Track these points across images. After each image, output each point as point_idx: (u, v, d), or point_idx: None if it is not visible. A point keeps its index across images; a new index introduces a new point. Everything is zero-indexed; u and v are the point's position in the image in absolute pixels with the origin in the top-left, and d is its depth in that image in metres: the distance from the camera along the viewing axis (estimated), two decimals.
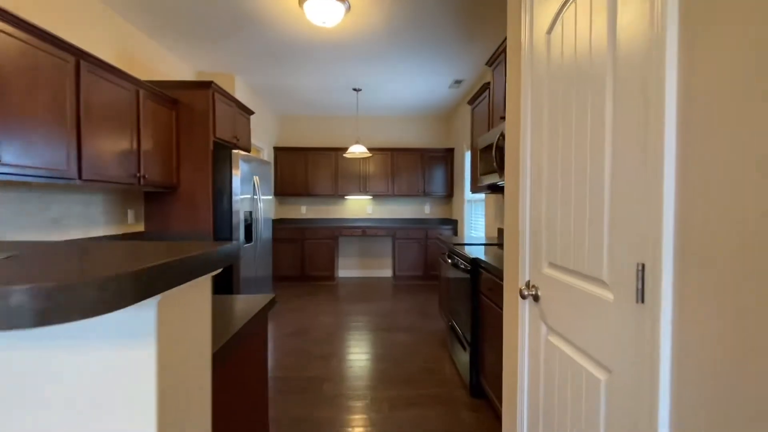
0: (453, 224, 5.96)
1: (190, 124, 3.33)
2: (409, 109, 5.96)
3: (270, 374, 2.74)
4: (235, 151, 3.39)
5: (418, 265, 5.83)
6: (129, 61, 3.21)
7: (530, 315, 1.43)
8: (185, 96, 3.32)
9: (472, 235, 5.14)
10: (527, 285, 1.45)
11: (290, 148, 6.00)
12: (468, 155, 5.26)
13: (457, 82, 4.59)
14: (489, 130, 3.15)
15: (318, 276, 5.81)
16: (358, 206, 6.42)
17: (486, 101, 3.23)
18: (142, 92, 2.82)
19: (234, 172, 3.38)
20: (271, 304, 1.34)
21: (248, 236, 3.64)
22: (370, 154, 5.09)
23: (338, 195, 6.06)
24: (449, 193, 6.09)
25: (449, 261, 3.06)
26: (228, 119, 3.68)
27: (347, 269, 6.39)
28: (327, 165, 6.05)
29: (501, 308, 1.96)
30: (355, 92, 4.97)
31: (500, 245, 3.13)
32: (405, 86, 4.80)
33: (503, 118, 2.76)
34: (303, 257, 5.78)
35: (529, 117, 1.43)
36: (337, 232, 5.80)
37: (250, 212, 3.68)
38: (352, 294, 5.18)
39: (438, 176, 6.08)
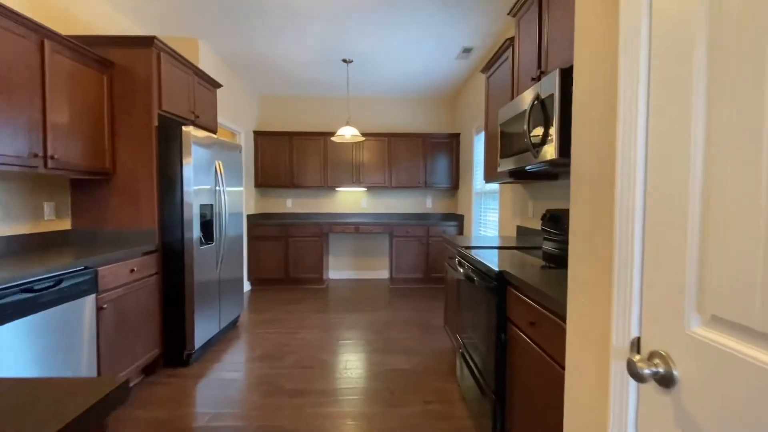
0: (458, 220, 5.26)
1: (128, 92, 2.61)
2: (408, 88, 5.22)
3: (217, 423, 2.05)
4: (186, 128, 2.67)
5: (418, 265, 5.13)
6: (67, 20, 2.47)
7: (648, 409, 0.73)
8: (122, 56, 2.60)
9: (482, 233, 4.43)
10: (636, 348, 0.75)
11: (272, 133, 5.27)
12: (480, 139, 4.54)
13: (467, 50, 3.85)
14: (513, 98, 2.43)
15: (304, 278, 5.11)
16: (351, 199, 5.71)
17: (508, 62, 2.51)
18: (49, 44, 2.09)
19: (185, 155, 2.66)
20: (111, 404, 0.63)
21: (208, 235, 2.94)
22: (363, 138, 4.36)
23: (328, 186, 5.35)
24: (454, 184, 5.38)
25: (460, 269, 2.36)
26: (182, 89, 2.95)
27: (338, 270, 5.70)
28: (315, 152, 5.32)
29: (553, 359, 1.26)
30: (346, 64, 4.24)
31: (524, 249, 2.43)
32: (404, 57, 4.07)
33: (536, 78, 2.05)
34: (287, 257, 5.07)
35: (643, 77, 0.72)
36: (326, 229, 5.09)
37: (211, 205, 2.97)
38: (342, 300, 4.49)
39: (441, 165, 5.36)
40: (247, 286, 5.00)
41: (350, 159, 5.32)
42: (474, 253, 2.22)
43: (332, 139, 4.32)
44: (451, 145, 5.35)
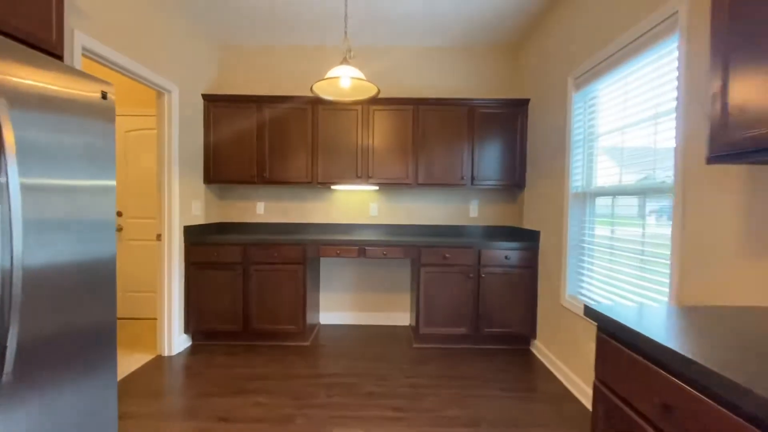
0: (529, 239, 3.28)
1: None
2: (445, 27, 3.29)
3: None
4: None
5: (461, 315, 3.16)
6: None
7: None
8: None
9: (593, 270, 2.41)
10: None
11: (234, 98, 3.37)
12: (582, 98, 2.55)
13: None
14: None
15: (275, 332, 3.18)
16: (355, 204, 3.78)
17: None
18: None
19: None
20: None
21: None
22: (375, 90, 2.44)
23: (319, 183, 3.43)
24: (517, 180, 3.41)
25: None
26: None
27: (333, 312, 3.77)
28: (299, 129, 3.41)
29: None
30: None
31: None
32: None
33: None
34: (247, 296, 3.16)
35: None
36: (313, 251, 3.17)
37: None
38: (332, 382, 2.55)
39: (495, 150, 3.40)
40: (183, 343, 3.11)
41: (353, 140, 3.40)
42: None
43: (314, 89, 2.38)
44: (515, 117, 3.39)
